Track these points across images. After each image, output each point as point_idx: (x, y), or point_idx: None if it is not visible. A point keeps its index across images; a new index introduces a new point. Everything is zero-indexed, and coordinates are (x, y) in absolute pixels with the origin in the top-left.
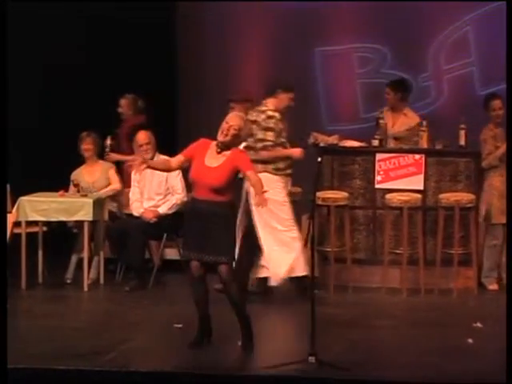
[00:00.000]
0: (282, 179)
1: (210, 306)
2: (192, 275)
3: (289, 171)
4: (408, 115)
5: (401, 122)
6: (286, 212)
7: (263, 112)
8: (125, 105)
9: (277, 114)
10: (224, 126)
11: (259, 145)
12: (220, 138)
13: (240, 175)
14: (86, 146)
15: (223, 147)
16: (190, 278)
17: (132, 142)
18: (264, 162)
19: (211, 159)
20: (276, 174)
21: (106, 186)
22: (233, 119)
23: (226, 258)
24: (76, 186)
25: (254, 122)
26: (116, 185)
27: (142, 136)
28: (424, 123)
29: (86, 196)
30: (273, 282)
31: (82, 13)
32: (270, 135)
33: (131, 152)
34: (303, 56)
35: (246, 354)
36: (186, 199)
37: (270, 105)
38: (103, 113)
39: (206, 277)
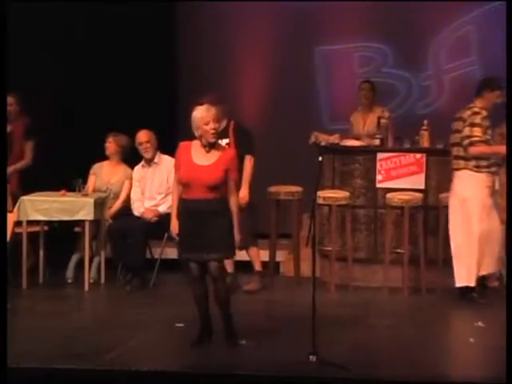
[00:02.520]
0: (487, 177)
1: (211, 305)
2: (192, 275)
3: (494, 169)
4: (377, 112)
5: (370, 120)
6: (482, 210)
7: (469, 109)
8: (13, 103)
9: (483, 111)
10: (210, 126)
11: (466, 141)
12: (211, 139)
13: None
14: (109, 143)
15: (211, 145)
16: (190, 278)
17: (26, 141)
18: (465, 158)
19: (201, 158)
20: (478, 172)
21: (119, 192)
22: (209, 116)
23: (222, 254)
24: (83, 185)
25: (460, 118)
26: (120, 200)
27: (142, 134)
28: (425, 122)
29: (87, 195)
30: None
31: (82, 12)
32: (476, 131)
33: (22, 154)
34: (304, 55)
35: (237, 353)
36: None
37: (477, 103)
38: (103, 111)
39: (205, 276)
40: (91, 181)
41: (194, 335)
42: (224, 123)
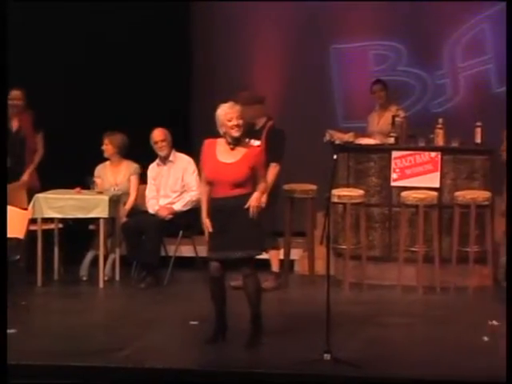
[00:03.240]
0: None
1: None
2: (211, 274)
3: None
4: (392, 110)
5: (385, 117)
6: None
7: None
8: (21, 97)
9: None
10: (228, 123)
11: None
12: (234, 134)
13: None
14: (106, 145)
15: (237, 142)
16: (209, 276)
17: (37, 134)
18: None
19: (225, 155)
20: None
21: (128, 189)
22: (233, 112)
23: (253, 251)
24: (93, 184)
25: None
26: (132, 197)
27: (158, 133)
28: (440, 120)
29: (101, 193)
30: None
31: (96, 9)
32: None
33: (35, 148)
34: (319, 54)
35: (252, 351)
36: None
37: None
38: (118, 110)
39: (224, 276)
40: (97, 184)
41: (209, 333)
42: (261, 122)
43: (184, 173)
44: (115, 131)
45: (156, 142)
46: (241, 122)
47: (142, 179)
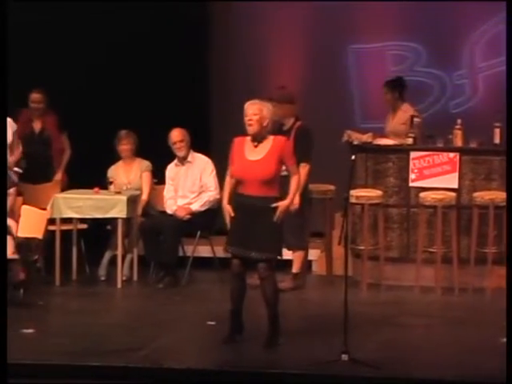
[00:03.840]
0: None
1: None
2: (232, 271)
3: None
4: (406, 111)
5: (398, 117)
6: None
7: None
8: (42, 100)
9: None
10: (245, 119)
11: None
12: (249, 131)
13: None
14: (125, 145)
15: (257, 139)
16: (230, 273)
17: (62, 136)
18: None
19: (252, 153)
20: None
21: (141, 187)
22: (249, 108)
23: (269, 254)
24: (111, 184)
25: None
26: (144, 195)
27: (176, 133)
28: (459, 121)
29: (120, 193)
30: None
31: (114, 10)
32: None
33: (62, 148)
34: (337, 54)
35: (269, 351)
36: (218, 197)
37: None
38: (136, 111)
39: (245, 273)
40: (112, 185)
41: (225, 333)
42: (290, 122)
43: (202, 173)
44: (128, 130)
45: (174, 143)
46: (252, 115)
47: (156, 177)
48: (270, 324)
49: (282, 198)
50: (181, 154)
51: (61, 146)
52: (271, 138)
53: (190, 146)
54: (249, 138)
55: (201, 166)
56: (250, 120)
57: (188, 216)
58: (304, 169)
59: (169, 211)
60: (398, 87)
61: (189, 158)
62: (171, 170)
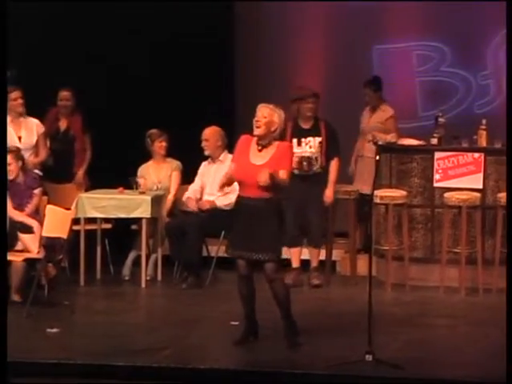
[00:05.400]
0: None
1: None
2: (239, 273)
3: None
4: (385, 110)
5: (377, 116)
6: None
7: None
8: (70, 98)
9: None
10: (254, 120)
11: None
12: (255, 132)
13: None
14: (161, 143)
15: (262, 142)
16: (237, 275)
17: (86, 135)
18: None
19: (256, 157)
20: None
21: (170, 186)
22: (260, 110)
23: (272, 255)
24: (137, 184)
25: None
26: (171, 195)
27: (206, 131)
28: (484, 121)
29: (144, 193)
30: None
31: (140, 12)
32: None
33: (84, 148)
34: (362, 54)
35: (292, 352)
36: None
37: None
38: (162, 110)
39: (253, 274)
40: (141, 184)
41: (239, 334)
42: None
43: None
44: (159, 130)
45: (202, 141)
46: (261, 117)
47: (185, 177)
48: (285, 324)
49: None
50: (206, 151)
51: (83, 146)
52: (276, 143)
53: (219, 146)
54: (255, 139)
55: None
56: (257, 121)
57: (210, 208)
58: (336, 163)
59: (187, 207)
60: (380, 87)
61: (220, 158)
62: (204, 167)
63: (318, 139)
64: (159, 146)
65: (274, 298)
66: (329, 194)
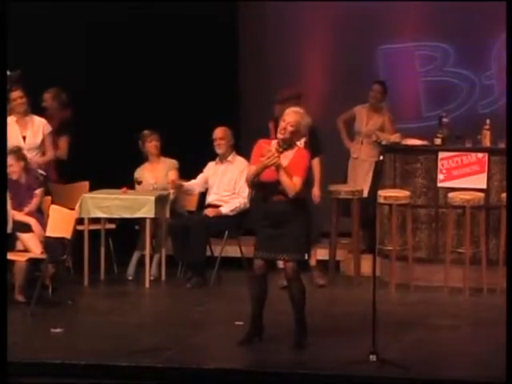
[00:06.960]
0: None
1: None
2: (254, 273)
3: None
4: (385, 114)
5: (374, 121)
6: None
7: None
8: (49, 98)
9: None
10: (281, 123)
11: None
12: (279, 136)
13: None
14: (151, 142)
15: (284, 145)
16: (252, 275)
17: (60, 137)
18: None
19: None
20: None
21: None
22: (290, 116)
23: (295, 256)
24: (139, 183)
25: None
26: (171, 194)
27: (218, 130)
28: (487, 121)
29: (148, 193)
30: None
31: (143, 11)
32: None
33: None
34: (365, 54)
35: (299, 352)
36: (248, 205)
37: None
38: (163, 111)
39: (267, 276)
40: (140, 185)
41: (243, 334)
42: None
43: (241, 176)
44: (153, 130)
45: (215, 139)
46: (289, 124)
47: (185, 177)
48: (296, 325)
49: (305, 200)
50: (219, 150)
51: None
52: (296, 148)
53: (231, 146)
54: (275, 142)
55: (240, 167)
56: (284, 127)
57: (216, 215)
58: (320, 161)
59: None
60: (386, 91)
61: (229, 158)
62: (211, 167)
63: (303, 139)
64: (151, 145)
65: (291, 298)
66: (316, 193)
